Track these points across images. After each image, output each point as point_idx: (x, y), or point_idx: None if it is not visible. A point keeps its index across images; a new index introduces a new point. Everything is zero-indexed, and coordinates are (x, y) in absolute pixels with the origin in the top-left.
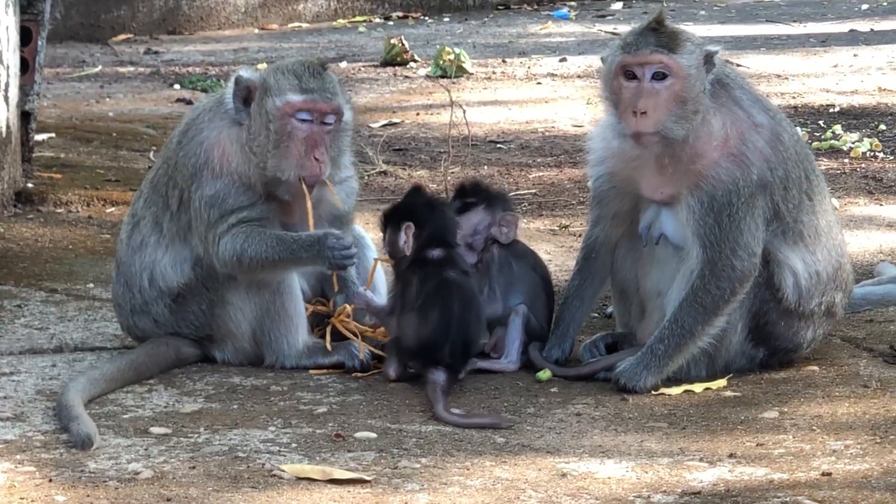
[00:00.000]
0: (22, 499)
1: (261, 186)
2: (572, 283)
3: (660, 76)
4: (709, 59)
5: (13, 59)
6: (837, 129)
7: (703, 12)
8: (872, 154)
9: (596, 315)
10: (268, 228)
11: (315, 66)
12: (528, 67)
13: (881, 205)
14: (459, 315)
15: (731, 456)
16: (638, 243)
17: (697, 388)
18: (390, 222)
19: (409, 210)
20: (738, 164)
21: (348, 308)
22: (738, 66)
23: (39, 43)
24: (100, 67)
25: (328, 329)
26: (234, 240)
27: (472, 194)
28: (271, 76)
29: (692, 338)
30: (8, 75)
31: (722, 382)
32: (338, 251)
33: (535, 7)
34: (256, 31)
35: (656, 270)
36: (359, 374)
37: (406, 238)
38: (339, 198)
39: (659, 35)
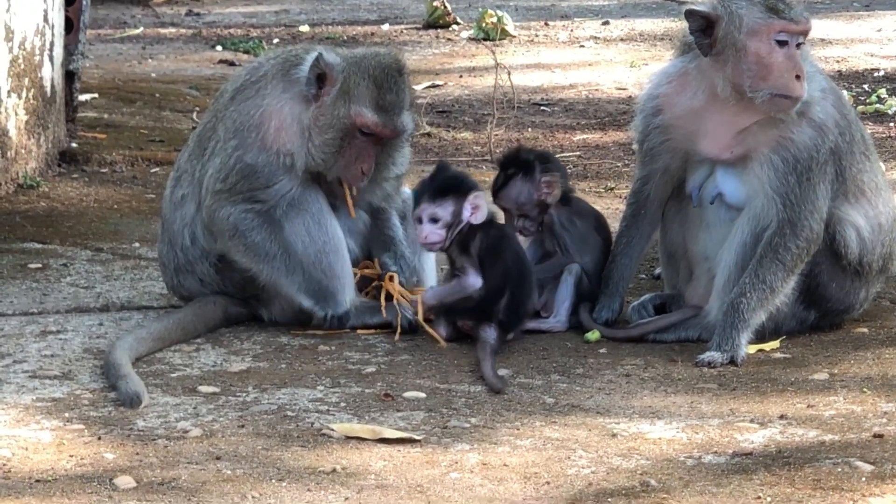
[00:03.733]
0: (71, 456)
1: (302, 169)
2: (620, 241)
3: (801, 45)
4: None
5: (58, 18)
6: (882, 93)
7: None
8: None
9: (644, 276)
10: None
11: (393, 72)
12: (571, 30)
13: None
14: (516, 269)
15: (781, 417)
16: (686, 205)
17: (751, 349)
18: (451, 194)
19: (464, 181)
20: (818, 131)
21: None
22: None
23: (84, 3)
24: (141, 29)
25: (383, 290)
26: (244, 217)
27: (510, 165)
28: (351, 77)
29: (773, 294)
30: (53, 34)
31: (775, 344)
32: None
33: None
34: None
35: (704, 234)
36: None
37: (477, 204)
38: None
39: (791, 4)
